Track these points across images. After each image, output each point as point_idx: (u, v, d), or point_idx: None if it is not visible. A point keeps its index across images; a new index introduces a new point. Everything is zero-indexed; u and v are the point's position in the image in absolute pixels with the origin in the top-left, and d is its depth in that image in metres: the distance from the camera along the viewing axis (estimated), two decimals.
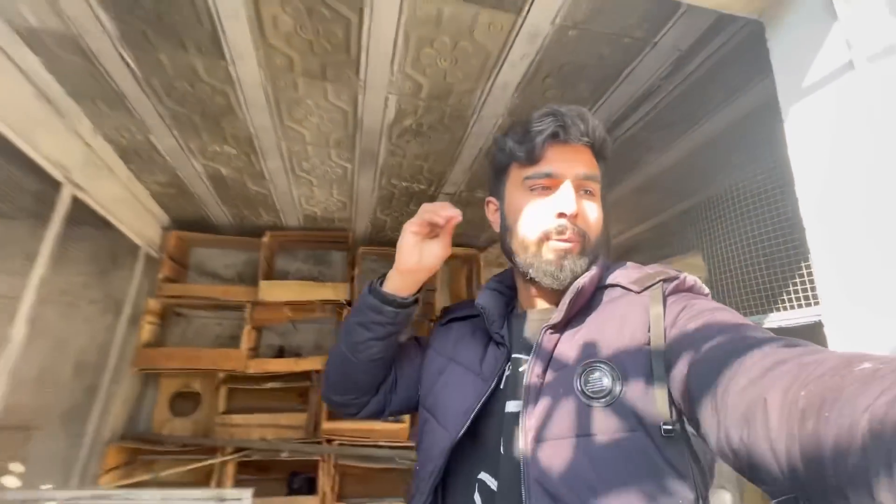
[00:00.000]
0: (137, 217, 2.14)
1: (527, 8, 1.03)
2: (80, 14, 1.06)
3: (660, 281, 0.55)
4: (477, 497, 0.55)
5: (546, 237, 0.58)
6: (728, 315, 0.48)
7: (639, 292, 0.55)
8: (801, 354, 0.36)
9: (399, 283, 0.65)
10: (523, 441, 0.50)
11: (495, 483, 0.52)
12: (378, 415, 0.73)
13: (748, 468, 0.36)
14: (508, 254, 0.64)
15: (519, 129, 0.62)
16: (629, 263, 0.62)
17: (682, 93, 1.32)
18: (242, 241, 2.60)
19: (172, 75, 1.29)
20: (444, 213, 0.61)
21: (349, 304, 2.43)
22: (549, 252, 0.58)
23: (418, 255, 0.63)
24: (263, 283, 2.41)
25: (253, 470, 2.33)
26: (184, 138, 1.62)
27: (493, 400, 0.57)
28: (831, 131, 0.65)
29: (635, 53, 1.17)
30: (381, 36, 1.13)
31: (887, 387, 0.25)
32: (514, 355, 0.60)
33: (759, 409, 0.34)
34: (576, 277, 0.57)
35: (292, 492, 2.33)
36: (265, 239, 2.49)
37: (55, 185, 1.50)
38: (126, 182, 1.92)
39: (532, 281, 0.61)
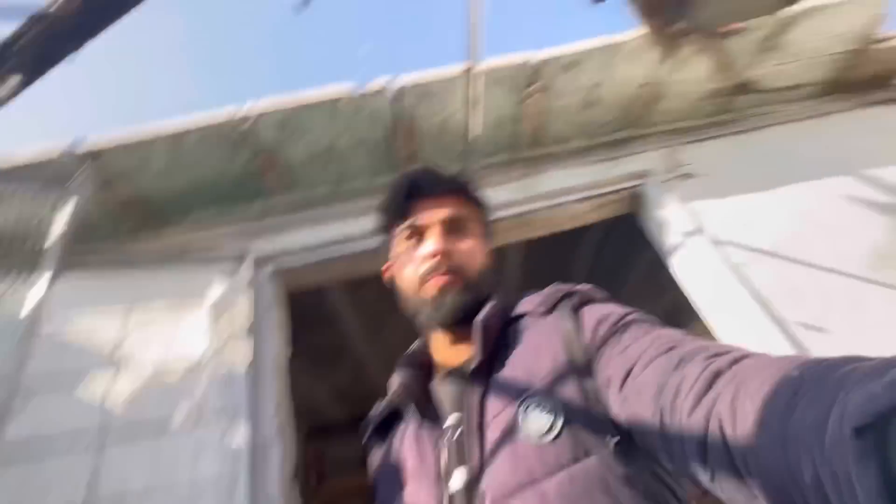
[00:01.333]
0: None
1: None
2: None
3: (562, 297, 0.55)
4: None
5: (424, 280, 0.59)
6: (645, 322, 0.49)
7: (545, 314, 0.55)
8: (732, 362, 0.36)
9: None
10: None
11: None
12: None
13: (719, 488, 0.35)
14: (404, 306, 0.64)
15: (386, 198, 0.67)
16: (527, 294, 0.62)
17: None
18: None
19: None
20: None
21: None
22: (431, 289, 0.58)
23: None
24: None
25: None
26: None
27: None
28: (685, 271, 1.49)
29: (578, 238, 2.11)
30: None
31: (810, 388, 0.28)
32: (448, 425, 0.53)
33: (715, 428, 0.34)
34: (457, 310, 0.57)
35: None
36: None
37: None
38: None
39: (432, 326, 0.61)
